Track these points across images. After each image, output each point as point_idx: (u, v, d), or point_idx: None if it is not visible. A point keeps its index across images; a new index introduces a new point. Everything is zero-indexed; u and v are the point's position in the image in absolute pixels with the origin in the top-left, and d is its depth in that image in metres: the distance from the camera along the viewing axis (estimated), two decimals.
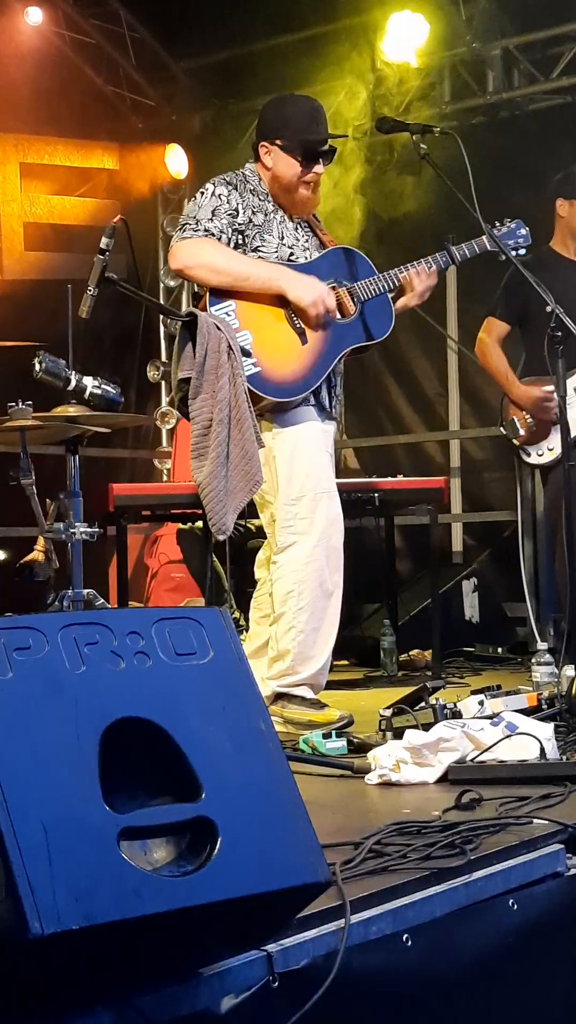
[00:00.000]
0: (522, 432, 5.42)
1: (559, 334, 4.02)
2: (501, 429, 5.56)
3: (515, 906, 2.34)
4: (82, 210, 8.21)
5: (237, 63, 7.79)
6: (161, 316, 8.51)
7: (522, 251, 4.54)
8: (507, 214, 4.64)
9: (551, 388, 5.17)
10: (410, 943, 2.12)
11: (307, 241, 4.33)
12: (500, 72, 7.63)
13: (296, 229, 4.32)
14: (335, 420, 4.35)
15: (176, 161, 8.33)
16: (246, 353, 4.05)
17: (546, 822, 2.59)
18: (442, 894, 2.23)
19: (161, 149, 8.34)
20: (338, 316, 4.22)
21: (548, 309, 4.02)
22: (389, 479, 6.08)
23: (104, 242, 3.77)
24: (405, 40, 7.31)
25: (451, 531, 8.01)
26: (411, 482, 6.14)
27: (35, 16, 7.74)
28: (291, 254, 4.24)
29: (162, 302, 8.45)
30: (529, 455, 5.44)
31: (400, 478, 6.20)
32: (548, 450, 5.36)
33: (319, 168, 4.28)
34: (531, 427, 5.40)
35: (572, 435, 4.29)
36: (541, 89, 7.57)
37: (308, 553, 4.12)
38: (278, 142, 4.27)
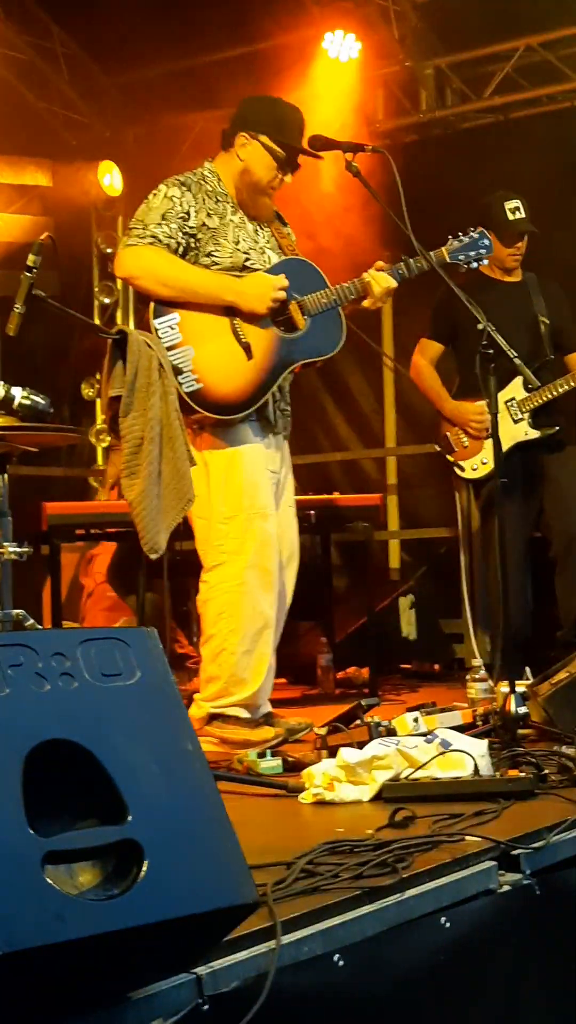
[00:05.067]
0: (456, 448, 5.46)
1: (490, 351, 4.04)
2: (436, 446, 5.59)
3: (447, 923, 2.34)
4: (15, 227, 8.15)
5: (170, 79, 7.78)
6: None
7: (484, 262, 4.55)
8: (440, 232, 4.65)
9: (482, 403, 5.21)
10: (341, 963, 2.10)
11: (266, 243, 4.27)
12: (433, 91, 7.69)
13: (256, 232, 4.26)
14: (280, 434, 4.30)
15: (110, 178, 8.31)
16: (179, 371, 4.01)
17: (478, 839, 2.60)
18: (373, 913, 2.23)
19: (95, 166, 8.31)
20: (287, 329, 4.17)
21: (479, 327, 4.04)
22: (325, 496, 6.08)
23: (31, 259, 3.73)
24: (339, 58, 7.37)
25: (388, 548, 8.02)
26: (347, 499, 6.15)
27: None
28: (247, 259, 4.17)
29: (96, 319, 8.41)
30: (464, 470, 5.48)
31: (336, 495, 6.20)
32: (482, 464, 5.40)
33: (288, 178, 4.26)
34: (464, 443, 5.44)
35: (503, 451, 4.31)
36: (473, 108, 7.64)
37: (238, 574, 4.07)
38: (262, 138, 4.21)
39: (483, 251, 4.47)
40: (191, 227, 4.11)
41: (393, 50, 7.52)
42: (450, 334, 5.47)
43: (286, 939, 2.02)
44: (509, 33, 7.23)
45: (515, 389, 5.29)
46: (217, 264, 4.13)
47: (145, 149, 8.32)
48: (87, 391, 8.52)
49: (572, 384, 5.30)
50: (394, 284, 4.29)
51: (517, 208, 5.41)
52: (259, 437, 4.19)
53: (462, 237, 4.47)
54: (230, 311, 4.12)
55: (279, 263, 4.27)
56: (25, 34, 8.03)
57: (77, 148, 8.43)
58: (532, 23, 7.13)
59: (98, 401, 8.55)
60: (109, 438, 8.20)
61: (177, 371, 4.01)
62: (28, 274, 3.72)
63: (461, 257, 4.43)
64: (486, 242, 4.48)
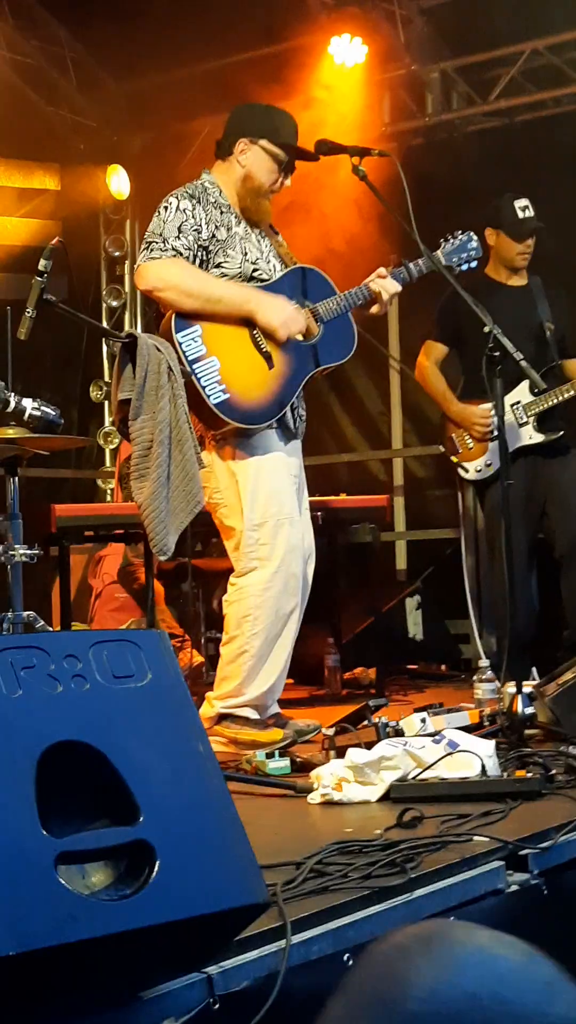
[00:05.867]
0: (460, 449, 5.48)
1: (496, 354, 4.06)
2: (440, 447, 5.61)
3: None
4: (24, 231, 8.18)
5: (178, 84, 7.80)
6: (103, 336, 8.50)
7: (473, 264, 4.58)
8: (447, 234, 4.68)
9: (488, 406, 5.24)
10: (351, 962, 2.12)
11: (270, 251, 4.33)
12: (439, 94, 7.70)
13: (259, 241, 4.30)
14: (298, 438, 4.35)
15: (118, 182, 8.33)
16: (205, 383, 4.04)
17: (486, 839, 2.61)
18: (382, 913, 2.24)
19: (103, 170, 8.34)
20: (302, 336, 4.22)
21: (486, 330, 4.06)
22: (331, 497, 6.10)
23: (42, 264, 3.76)
24: (345, 62, 7.39)
25: (394, 549, 8.04)
26: (353, 500, 6.16)
27: None
28: (255, 270, 4.22)
29: (104, 322, 8.44)
30: (468, 471, 5.49)
31: (343, 496, 6.22)
32: (486, 466, 5.42)
33: (287, 181, 4.31)
34: (469, 444, 5.46)
35: (509, 453, 4.33)
36: (479, 111, 7.65)
37: (267, 579, 4.13)
38: (263, 143, 4.26)
39: (472, 252, 4.54)
40: (203, 239, 4.15)
41: (399, 54, 7.53)
42: (455, 337, 5.49)
43: (296, 939, 2.04)
44: (515, 36, 7.24)
45: (521, 393, 5.30)
46: (226, 275, 4.17)
47: (152, 153, 8.35)
48: (95, 393, 8.55)
49: None
50: (398, 287, 4.36)
51: (527, 207, 5.44)
52: (281, 443, 4.25)
53: (452, 240, 4.52)
54: (248, 322, 4.16)
55: (289, 271, 4.30)
56: (34, 39, 8.06)
57: (85, 152, 8.46)
58: (538, 26, 7.14)
59: (106, 403, 8.58)
60: (117, 439, 8.24)
61: (203, 384, 4.04)
62: (39, 279, 3.75)
63: (454, 259, 4.50)
64: (474, 244, 4.54)
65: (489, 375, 4.06)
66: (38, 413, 3.76)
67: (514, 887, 2.54)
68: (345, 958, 2.12)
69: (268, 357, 4.17)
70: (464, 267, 4.53)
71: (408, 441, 8.08)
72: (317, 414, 8.22)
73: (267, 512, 4.14)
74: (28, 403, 3.75)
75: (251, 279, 4.20)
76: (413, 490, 8.09)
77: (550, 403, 5.31)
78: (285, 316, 4.14)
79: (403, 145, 7.57)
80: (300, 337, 4.23)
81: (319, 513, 5.65)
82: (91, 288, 8.50)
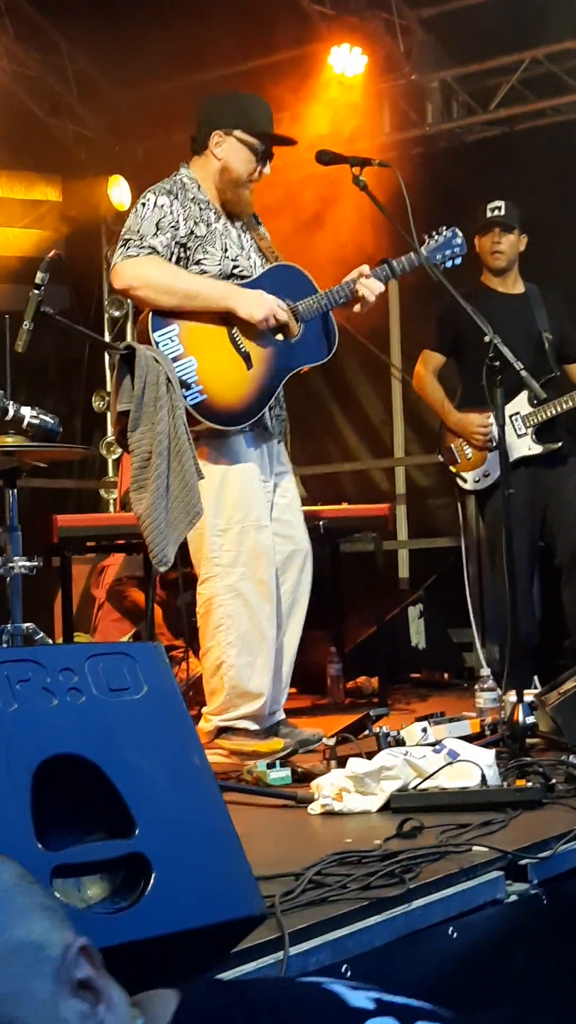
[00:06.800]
0: (459, 459, 5.49)
1: (496, 363, 4.06)
2: (439, 456, 5.62)
3: (455, 934, 2.35)
4: (26, 241, 8.20)
5: (179, 94, 7.82)
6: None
7: (458, 261, 4.56)
8: (431, 231, 4.66)
9: (486, 416, 5.25)
10: (349, 973, 2.12)
11: (251, 246, 4.29)
12: (439, 104, 7.72)
13: (239, 236, 4.28)
14: (276, 438, 4.31)
15: (119, 193, 8.35)
16: (187, 385, 4.03)
17: (486, 849, 2.61)
18: (381, 924, 2.24)
19: (104, 180, 8.35)
20: (282, 335, 4.20)
21: (486, 339, 4.06)
22: (333, 507, 6.10)
23: (39, 276, 3.76)
24: (345, 72, 7.41)
25: (397, 558, 8.04)
26: (355, 509, 6.17)
27: None
28: (235, 266, 4.19)
29: (107, 333, 8.45)
30: (466, 481, 5.50)
31: (344, 505, 6.22)
32: (484, 476, 5.42)
33: (266, 169, 4.26)
34: (468, 454, 5.46)
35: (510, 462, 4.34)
36: (479, 120, 7.67)
37: (232, 586, 4.09)
38: (236, 133, 4.22)
39: (457, 249, 4.49)
40: (181, 236, 4.11)
41: (399, 63, 7.55)
42: (453, 345, 5.49)
43: (294, 950, 2.04)
44: (514, 45, 7.26)
45: (519, 404, 5.30)
46: (206, 272, 4.13)
47: (154, 164, 8.34)
48: (97, 403, 8.56)
49: None
50: (382, 287, 4.32)
51: (498, 207, 5.48)
52: (253, 447, 4.20)
53: (436, 236, 4.49)
54: (227, 320, 4.12)
55: (270, 269, 4.27)
56: (35, 51, 8.09)
57: (87, 163, 8.48)
58: (537, 35, 7.15)
59: (108, 413, 8.59)
60: (119, 450, 8.25)
61: (182, 383, 4.03)
62: (36, 291, 3.76)
63: (438, 256, 4.45)
64: (459, 240, 4.50)
65: (489, 384, 4.06)
66: (36, 421, 3.76)
67: (514, 897, 2.54)
68: (343, 969, 2.12)
69: (247, 357, 4.13)
70: (449, 264, 4.50)
71: (410, 450, 8.09)
72: (320, 422, 8.30)
73: (232, 518, 4.10)
74: (27, 411, 3.76)
75: (231, 276, 4.17)
76: (415, 499, 8.09)
77: (548, 414, 5.31)
78: (266, 307, 4.08)
79: (403, 154, 7.59)
80: (280, 336, 4.20)
81: (321, 522, 5.67)
82: (93, 299, 8.51)
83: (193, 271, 4.12)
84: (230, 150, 4.23)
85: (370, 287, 4.27)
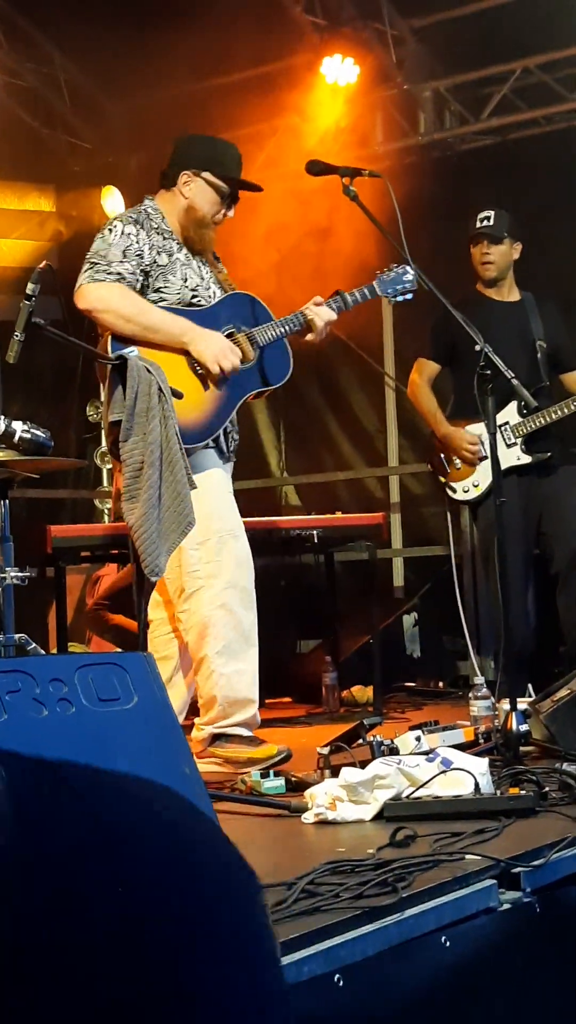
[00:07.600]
0: (449, 470, 5.50)
1: (488, 372, 4.06)
2: (428, 466, 5.64)
3: (447, 943, 2.35)
4: (20, 252, 8.22)
5: (172, 105, 7.84)
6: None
7: (409, 296, 4.61)
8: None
9: (476, 428, 5.27)
10: (341, 983, 2.12)
11: (211, 278, 4.38)
12: (431, 113, 7.74)
13: (199, 268, 4.36)
14: (232, 460, 4.41)
15: (113, 203, 8.36)
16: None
17: (479, 857, 2.61)
18: (374, 933, 2.24)
19: (98, 191, 8.37)
20: (239, 366, 4.27)
21: (477, 348, 4.07)
22: (327, 515, 6.11)
23: (30, 287, 3.79)
24: (337, 82, 7.44)
25: (391, 566, 8.05)
26: (350, 518, 6.17)
27: None
28: (194, 296, 4.28)
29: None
30: (455, 491, 5.52)
31: (339, 514, 6.23)
32: (473, 487, 5.44)
33: (230, 212, 4.37)
34: (456, 465, 5.48)
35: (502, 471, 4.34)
36: (471, 130, 7.69)
37: (217, 596, 4.11)
38: (206, 175, 4.32)
39: (407, 285, 4.58)
40: (145, 264, 4.21)
41: (391, 73, 7.58)
42: (447, 354, 5.51)
43: (286, 959, 2.03)
44: (506, 55, 7.29)
45: (509, 414, 5.31)
46: (165, 300, 4.23)
47: (147, 174, 8.35)
48: (91, 413, 8.57)
49: (566, 411, 5.32)
50: (334, 317, 4.42)
51: (487, 218, 5.51)
52: (220, 461, 4.29)
53: (388, 272, 4.57)
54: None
55: (227, 296, 4.38)
56: (28, 61, 8.11)
57: (80, 174, 8.50)
58: (529, 45, 7.19)
59: (102, 423, 8.60)
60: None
61: None
62: (27, 302, 3.77)
63: (389, 291, 4.56)
64: (409, 277, 4.57)
65: (481, 394, 4.07)
66: (28, 436, 3.77)
67: (507, 905, 2.53)
68: (336, 979, 2.12)
69: (203, 379, 4.23)
70: (400, 299, 4.61)
71: (404, 458, 8.09)
72: (314, 431, 8.31)
73: (209, 529, 4.12)
74: (18, 426, 3.77)
75: (190, 304, 4.27)
76: (410, 507, 8.10)
77: (537, 424, 5.32)
78: (218, 351, 4.19)
79: (396, 164, 7.61)
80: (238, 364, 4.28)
81: (315, 531, 5.68)
82: None
83: (152, 298, 4.22)
84: (198, 190, 4.33)
85: (319, 314, 4.38)
